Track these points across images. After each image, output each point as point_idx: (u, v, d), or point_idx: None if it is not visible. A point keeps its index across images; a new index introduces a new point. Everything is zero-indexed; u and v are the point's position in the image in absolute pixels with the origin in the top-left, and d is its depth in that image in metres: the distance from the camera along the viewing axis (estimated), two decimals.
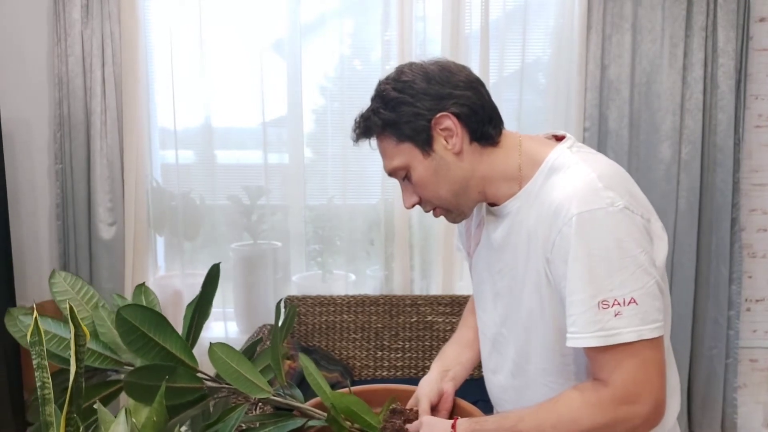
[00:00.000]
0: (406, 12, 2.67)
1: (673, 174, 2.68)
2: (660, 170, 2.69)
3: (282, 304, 1.12)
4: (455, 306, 2.74)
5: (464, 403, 1.15)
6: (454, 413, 1.14)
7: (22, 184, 2.79)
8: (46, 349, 0.74)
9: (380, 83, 1.03)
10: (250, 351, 1.06)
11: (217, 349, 0.94)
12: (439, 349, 1.28)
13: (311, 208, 2.89)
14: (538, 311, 1.00)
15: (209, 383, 0.95)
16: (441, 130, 1.00)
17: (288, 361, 2.39)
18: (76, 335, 0.69)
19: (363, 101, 1.06)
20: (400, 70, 1.02)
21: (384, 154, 1.05)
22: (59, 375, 0.85)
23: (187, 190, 2.83)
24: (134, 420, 0.78)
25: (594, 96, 2.66)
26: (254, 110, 2.77)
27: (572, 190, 0.93)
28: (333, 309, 2.76)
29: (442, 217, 1.09)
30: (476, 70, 1.52)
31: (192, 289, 2.82)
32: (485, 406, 1.16)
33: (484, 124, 1.01)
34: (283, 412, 1.03)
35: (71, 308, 0.70)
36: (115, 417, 0.75)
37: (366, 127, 1.04)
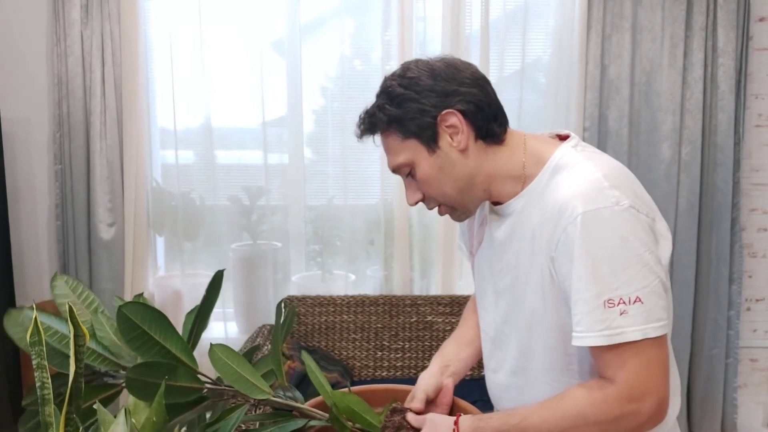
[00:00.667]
0: (407, 12, 2.67)
1: (674, 174, 2.68)
2: (660, 170, 2.69)
3: (282, 306, 1.12)
4: (455, 306, 2.74)
5: (463, 403, 1.14)
6: (452, 412, 1.13)
7: (22, 185, 2.79)
8: (47, 344, 0.74)
9: (386, 79, 1.03)
10: (248, 357, 1.06)
11: (217, 350, 0.94)
12: (438, 349, 1.27)
13: (311, 208, 2.89)
14: (541, 310, 1.00)
15: (209, 385, 0.95)
16: (446, 126, 0.99)
17: (287, 362, 2.39)
18: (75, 335, 0.69)
19: (363, 101, 1.06)
20: (406, 67, 1.02)
21: (389, 150, 1.04)
22: (58, 378, 0.84)
23: (187, 191, 2.83)
24: (134, 420, 0.78)
25: (594, 96, 2.66)
26: (254, 110, 2.77)
27: (577, 188, 0.92)
28: (333, 309, 2.76)
29: (442, 218, 1.08)
30: None
31: (192, 289, 2.82)
32: (484, 406, 1.15)
33: (489, 121, 1.00)
34: (283, 412, 1.03)
35: (71, 308, 0.69)
36: (115, 417, 0.75)
37: (371, 123, 1.03)
